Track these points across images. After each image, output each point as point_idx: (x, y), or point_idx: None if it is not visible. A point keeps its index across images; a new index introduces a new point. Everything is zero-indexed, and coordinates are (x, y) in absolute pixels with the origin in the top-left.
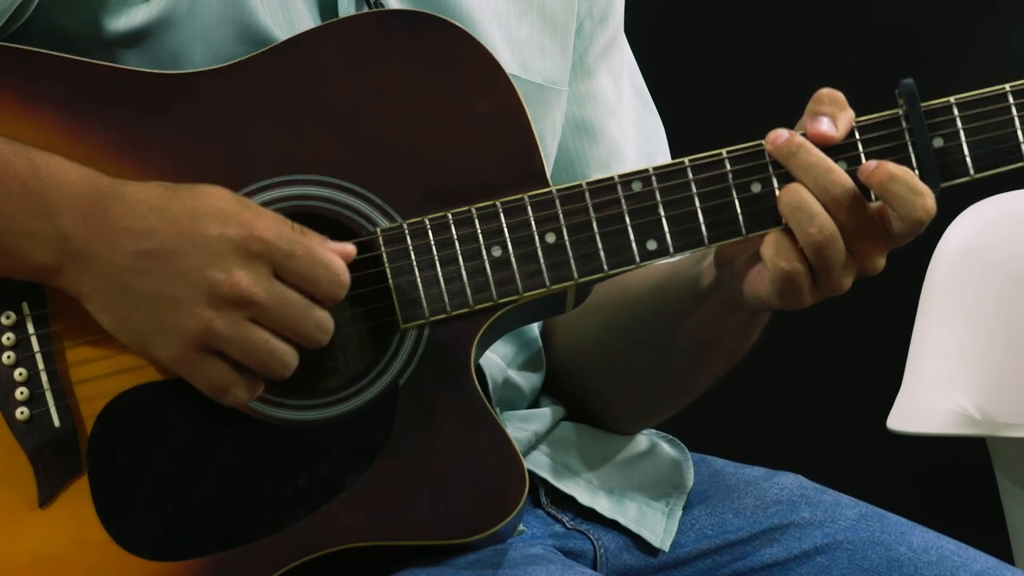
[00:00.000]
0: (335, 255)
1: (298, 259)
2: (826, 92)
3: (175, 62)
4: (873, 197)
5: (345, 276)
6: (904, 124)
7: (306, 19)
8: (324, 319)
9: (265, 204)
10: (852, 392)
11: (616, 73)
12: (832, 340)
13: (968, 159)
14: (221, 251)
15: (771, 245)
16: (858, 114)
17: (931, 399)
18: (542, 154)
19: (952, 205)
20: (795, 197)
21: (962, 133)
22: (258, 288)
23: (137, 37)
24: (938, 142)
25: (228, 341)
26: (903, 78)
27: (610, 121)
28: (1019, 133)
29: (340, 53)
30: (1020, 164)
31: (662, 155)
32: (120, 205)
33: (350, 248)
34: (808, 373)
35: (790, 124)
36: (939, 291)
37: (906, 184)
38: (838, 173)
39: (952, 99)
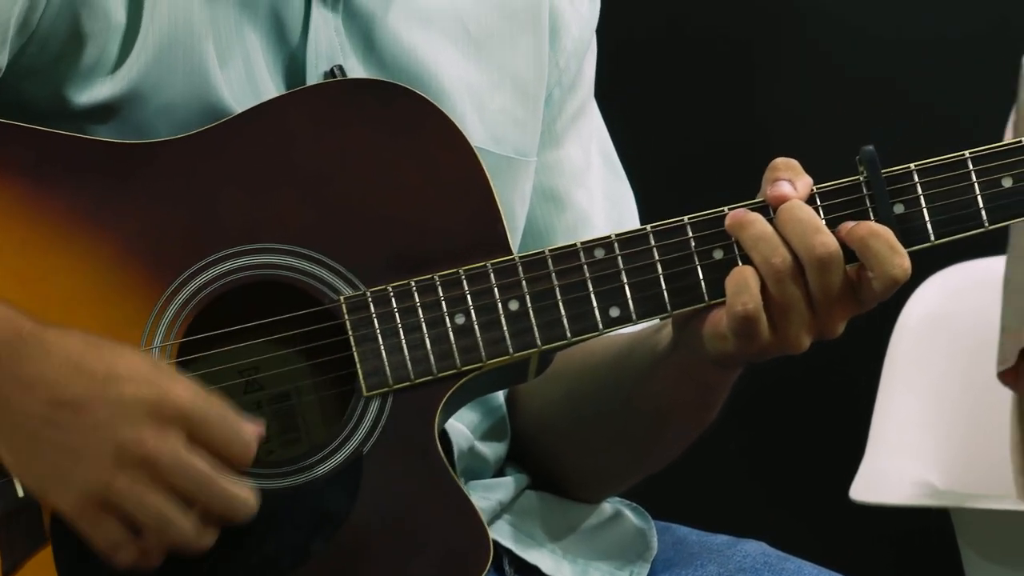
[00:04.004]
0: (245, 424)
1: (211, 424)
2: (781, 160)
3: (140, 136)
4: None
5: (252, 447)
6: (865, 191)
7: (273, 95)
8: (230, 495)
9: (229, 273)
10: (818, 458)
11: (584, 141)
12: (797, 406)
13: (929, 225)
14: (133, 411)
15: (733, 284)
16: (821, 181)
17: (894, 469)
18: (505, 223)
19: (915, 273)
20: (759, 228)
21: (923, 199)
22: (164, 451)
23: (102, 111)
24: (899, 208)
25: (125, 499)
26: (864, 145)
27: (578, 189)
28: (979, 199)
29: (305, 120)
30: (981, 230)
31: (631, 221)
32: (38, 352)
33: (259, 428)
34: (773, 439)
35: (758, 187)
36: (902, 359)
37: (887, 242)
38: (826, 233)
39: (912, 166)
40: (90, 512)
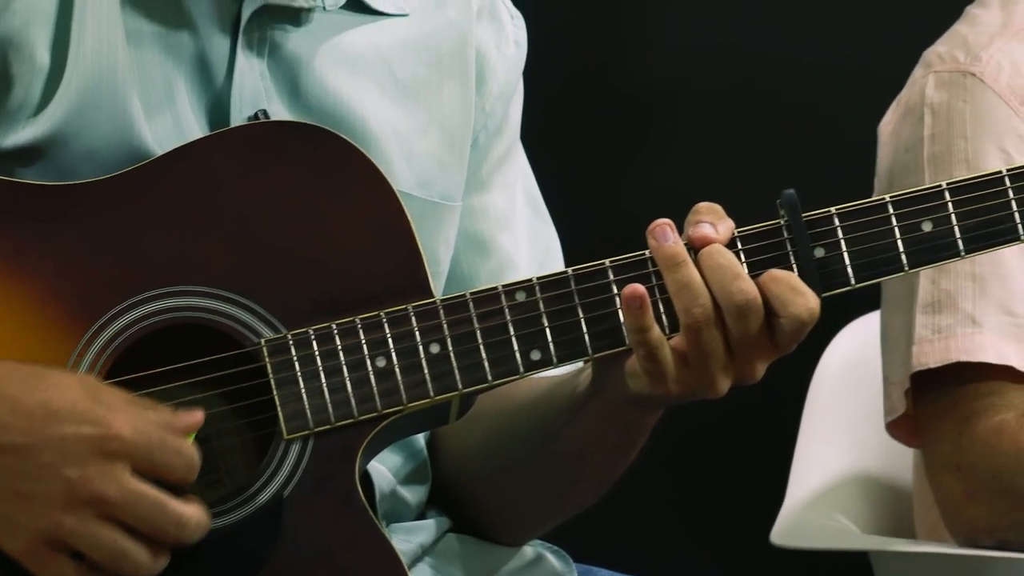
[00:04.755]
0: (185, 441)
1: (153, 452)
2: (704, 204)
3: (64, 180)
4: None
5: (196, 460)
6: (786, 234)
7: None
8: (182, 515)
9: (151, 315)
10: (739, 501)
11: (510, 185)
12: (719, 449)
13: (849, 268)
14: (77, 451)
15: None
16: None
17: (814, 513)
18: (428, 267)
19: (834, 320)
20: (686, 276)
21: (843, 243)
22: (111, 486)
23: (26, 153)
24: (819, 252)
25: (79, 539)
26: (785, 189)
27: (502, 234)
28: (899, 243)
29: (229, 161)
30: (901, 274)
31: (556, 265)
32: None
33: (198, 416)
34: (695, 482)
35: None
36: (822, 405)
37: (787, 284)
38: (745, 280)
39: (833, 209)
40: (42, 553)
